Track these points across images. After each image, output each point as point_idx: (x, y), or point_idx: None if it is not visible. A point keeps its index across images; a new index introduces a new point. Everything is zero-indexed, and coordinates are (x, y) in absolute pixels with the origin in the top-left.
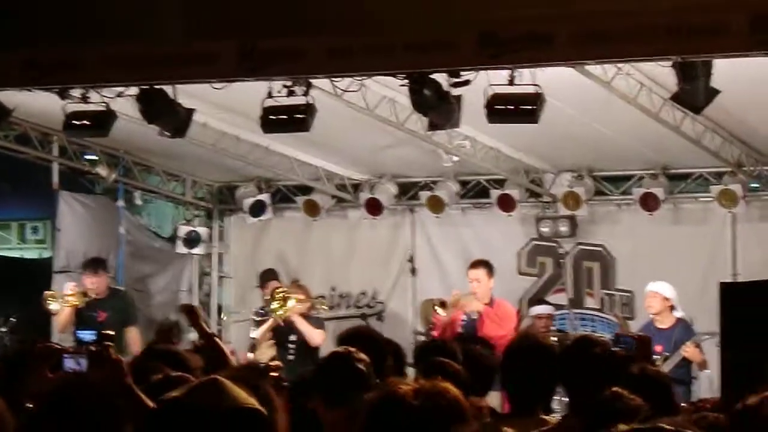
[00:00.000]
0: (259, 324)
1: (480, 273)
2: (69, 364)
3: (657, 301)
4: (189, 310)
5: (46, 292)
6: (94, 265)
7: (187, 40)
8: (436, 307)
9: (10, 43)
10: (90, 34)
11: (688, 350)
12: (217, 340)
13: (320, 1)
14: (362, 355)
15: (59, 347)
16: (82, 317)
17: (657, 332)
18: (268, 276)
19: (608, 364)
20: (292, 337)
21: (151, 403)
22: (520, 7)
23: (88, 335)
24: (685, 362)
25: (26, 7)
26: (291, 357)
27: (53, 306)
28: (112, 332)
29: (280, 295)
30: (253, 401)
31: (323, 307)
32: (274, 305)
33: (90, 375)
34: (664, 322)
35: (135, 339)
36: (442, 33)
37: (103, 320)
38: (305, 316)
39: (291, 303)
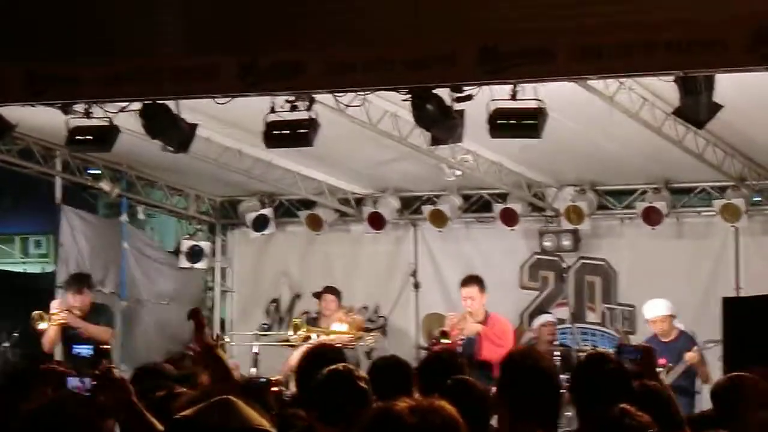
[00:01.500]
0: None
1: (473, 290)
2: (73, 384)
3: (669, 322)
4: (195, 315)
5: (35, 312)
6: (78, 283)
7: (188, 55)
8: (439, 338)
9: (12, 58)
10: (92, 49)
11: (689, 356)
12: (219, 352)
13: (321, 15)
14: (362, 373)
15: (62, 369)
16: (67, 334)
17: (661, 345)
18: (327, 289)
19: (620, 380)
20: None
21: (155, 421)
22: (521, 22)
23: (84, 350)
24: (690, 373)
25: (28, 22)
26: None
27: (42, 325)
28: (108, 346)
29: (303, 334)
30: (263, 422)
31: (369, 338)
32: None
33: (95, 395)
34: (668, 335)
35: (97, 331)
36: (444, 48)
37: (88, 336)
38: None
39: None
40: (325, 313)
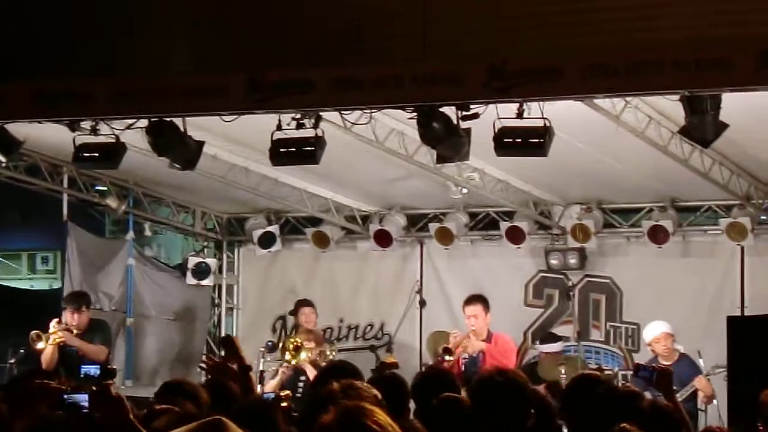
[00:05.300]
0: (266, 353)
1: (477, 309)
2: (70, 402)
3: (670, 341)
4: (227, 341)
5: (32, 332)
6: (76, 302)
7: (195, 73)
8: (443, 355)
9: (20, 75)
10: (100, 66)
11: (699, 382)
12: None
13: (328, 33)
14: (374, 390)
15: (56, 386)
16: (64, 353)
17: None
18: (302, 303)
19: (611, 402)
20: (303, 377)
21: None
22: (529, 40)
23: (93, 369)
24: (692, 396)
25: (36, 40)
26: (299, 395)
27: (39, 345)
28: (114, 366)
29: (292, 345)
30: None
31: (332, 352)
32: (287, 356)
33: (92, 413)
34: (669, 358)
35: (93, 351)
36: (451, 66)
37: (82, 355)
38: (316, 364)
39: (303, 356)
40: (309, 326)
